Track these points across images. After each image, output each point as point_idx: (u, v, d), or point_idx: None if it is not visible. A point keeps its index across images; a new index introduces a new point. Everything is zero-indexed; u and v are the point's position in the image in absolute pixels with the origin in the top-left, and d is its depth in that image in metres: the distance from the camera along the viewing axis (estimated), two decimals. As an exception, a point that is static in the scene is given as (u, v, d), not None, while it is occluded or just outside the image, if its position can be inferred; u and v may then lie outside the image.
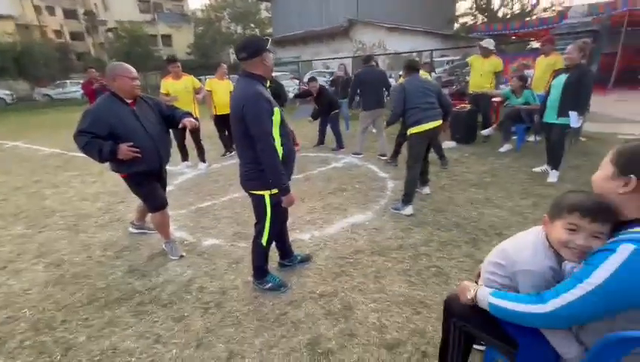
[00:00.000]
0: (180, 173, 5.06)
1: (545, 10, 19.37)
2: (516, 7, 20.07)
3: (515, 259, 1.13)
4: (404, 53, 12.30)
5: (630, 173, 0.93)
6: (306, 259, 2.55)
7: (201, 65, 23.08)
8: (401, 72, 9.74)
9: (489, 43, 5.59)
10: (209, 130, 6.07)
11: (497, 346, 1.20)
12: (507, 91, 5.45)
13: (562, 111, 3.70)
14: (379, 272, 2.39)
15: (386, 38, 15.75)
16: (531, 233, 1.17)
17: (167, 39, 30.65)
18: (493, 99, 5.95)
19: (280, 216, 2.10)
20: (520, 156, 5.05)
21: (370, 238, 2.88)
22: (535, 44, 14.44)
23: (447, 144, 5.66)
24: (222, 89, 5.46)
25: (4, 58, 21.31)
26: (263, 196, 1.98)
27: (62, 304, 2.21)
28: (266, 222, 2.04)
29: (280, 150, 1.86)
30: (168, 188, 3.80)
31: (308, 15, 18.42)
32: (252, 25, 29.95)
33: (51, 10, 34.37)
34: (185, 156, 5.30)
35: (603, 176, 1.01)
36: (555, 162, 3.95)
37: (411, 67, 3.52)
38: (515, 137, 5.43)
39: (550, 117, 3.84)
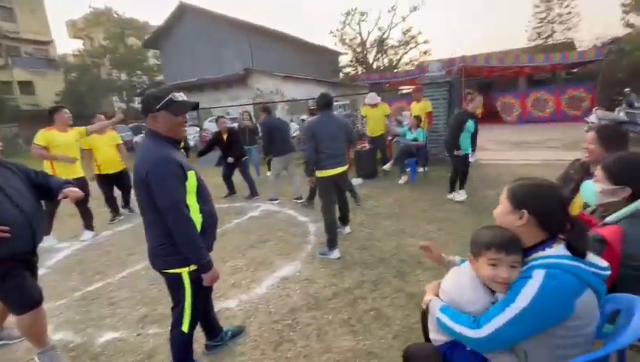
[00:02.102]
0: (51, 250, 4.01)
1: (406, 64, 24.01)
2: (385, 61, 24.31)
3: (459, 301, 1.19)
4: (302, 100, 13.22)
5: (522, 208, 1.09)
6: (237, 333, 2.22)
7: (76, 114, 20.00)
8: (304, 116, 10.16)
9: (372, 98, 6.34)
10: (94, 192, 5.10)
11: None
12: (405, 130, 6.37)
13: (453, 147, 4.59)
14: (321, 329, 2.23)
15: (282, 85, 16.69)
16: (464, 273, 1.24)
17: (27, 86, 25.75)
18: (389, 138, 6.80)
19: (202, 294, 1.78)
20: (416, 186, 5.75)
21: (303, 291, 2.73)
22: (404, 90, 17.53)
23: (356, 181, 6.07)
24: (104, 143, 4.71)
25: None
26: (179, 275, 1.65)
27: None
28: (185, 305, 1.69)
29: (199, 218, 1.63)
30: (39, 272, 2.94)
31: (201, 63, 18.27)
32: (139, 72, 27.83)
33: None
34: (49, 228, 4.08)
35: (502, 212, 1.17)
36: (462, 184, 4.79)
37: (326, 103, 3.33)
38: (408, 169, 6.20)
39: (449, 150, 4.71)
